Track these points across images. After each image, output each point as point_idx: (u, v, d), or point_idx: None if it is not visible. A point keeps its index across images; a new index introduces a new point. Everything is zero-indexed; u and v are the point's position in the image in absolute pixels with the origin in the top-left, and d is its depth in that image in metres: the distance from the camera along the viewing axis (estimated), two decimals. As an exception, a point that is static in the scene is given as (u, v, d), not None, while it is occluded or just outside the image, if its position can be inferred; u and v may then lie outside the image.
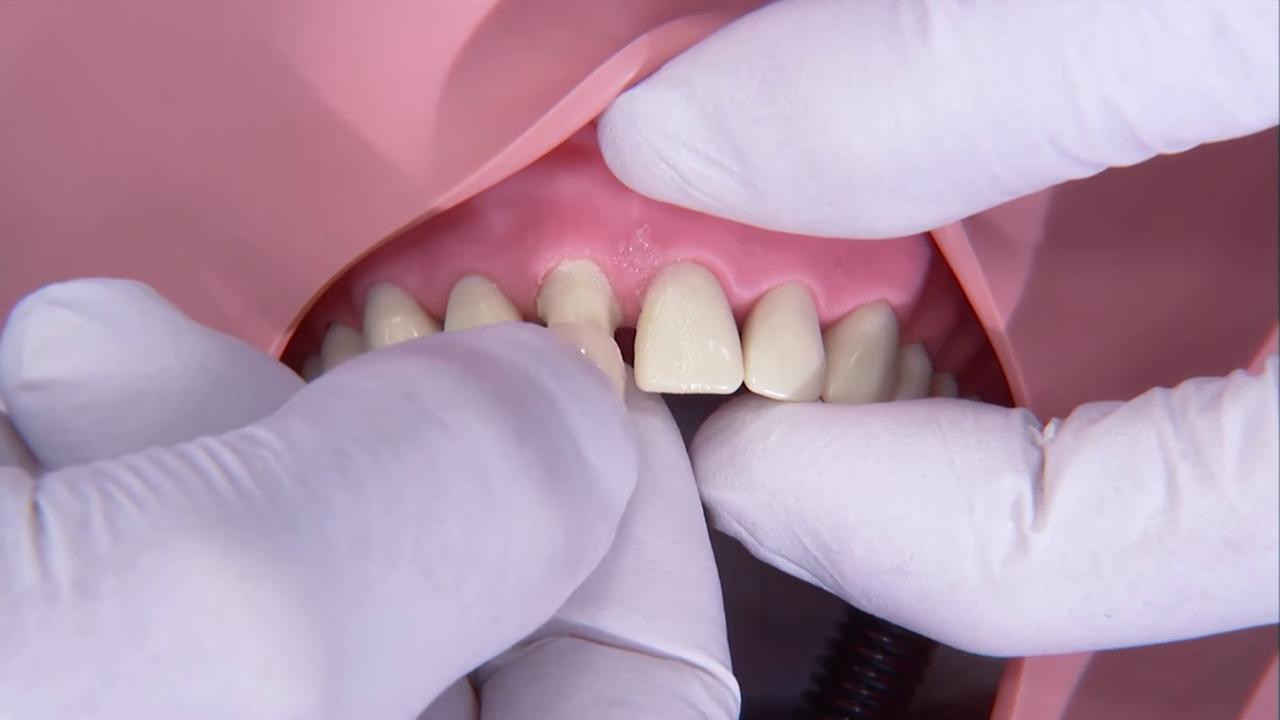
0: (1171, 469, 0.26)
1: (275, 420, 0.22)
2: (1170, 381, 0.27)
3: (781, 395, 0.32)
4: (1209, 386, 0.26)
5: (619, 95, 0.28)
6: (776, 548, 0.29)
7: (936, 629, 0.28)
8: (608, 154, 0.29)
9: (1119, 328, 0.33)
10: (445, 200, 0.30)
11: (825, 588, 0.29)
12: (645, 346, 0.32)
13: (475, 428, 0.22)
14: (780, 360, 0.32)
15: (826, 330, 0.33)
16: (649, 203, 0.32)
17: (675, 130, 0.28)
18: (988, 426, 0.28)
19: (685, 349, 0.32)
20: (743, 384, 0.32)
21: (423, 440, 0.22)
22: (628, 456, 0.26)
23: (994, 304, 0.31)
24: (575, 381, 0.25)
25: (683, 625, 0.27)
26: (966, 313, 0.35)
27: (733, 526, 0.29)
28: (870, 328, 0.33)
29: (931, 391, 0.36)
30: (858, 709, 0.40)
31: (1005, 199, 0.27)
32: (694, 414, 0.38)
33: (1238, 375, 0.26)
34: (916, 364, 0.35)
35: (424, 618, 0.21)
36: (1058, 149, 0.25)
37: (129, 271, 0.33)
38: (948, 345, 0.36)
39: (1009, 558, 0.26)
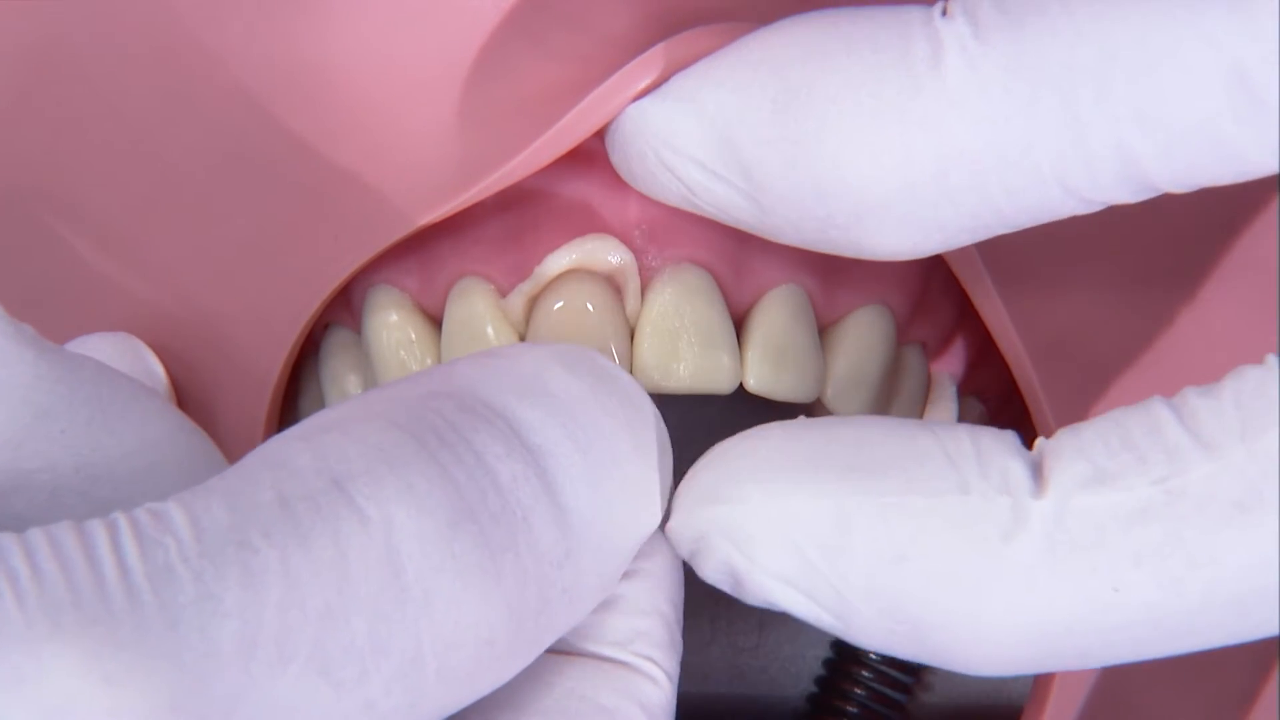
0: (1174, 441, 0.25)
1: (196, 497, 0.21)
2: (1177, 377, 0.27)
3: (779, 396, 0.32)
4: (1208, 385, 0.26)
5: (630, 104, 0.28)
6: (771, 564, 0.27)
7: (942, 629, 0.27)
8: (615, 158, 0.29)
9: (1128, 330, 0.32)
10: (455, 205, 0.30)
11: (823, 615, 0.27)
12: (643, 347, 0.32)
13: (399, 519, 0.22)
14: (777, 361, 0.32)
15: (824, 331, 0.33)
16: (646, 204, 0.32)
17: (683, 144, 0.28)
18: (981, 431, 0.27)
19: (683, 350, 0.32)
20: (740, 385, 0.32)
21: (338, 532, 0.21)
22: (646, 494, 0.25)
23: (1013, 330, 0.31)
24: (589, 426, 0.25)
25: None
26: (964, 313, 0.35)
27: (725, 553, 0.28)
28: (868, 329, 0.33)
29: (929, 391, 0.36)
30: (856, 710, 0.40)
31: (1007, 231, 0.27)
32: (694, 414, 0.38)
33: (1241, 366, 0.26)
34: (914, 365, 0.35)
35: (318, 715, 0.21)
36: (1065, 188, 0.26)
37: (135, 267, 0.33)
38: (945, 346, 0.36)
39: (1009, 534, 0.26)
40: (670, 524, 0.28)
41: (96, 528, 0.20)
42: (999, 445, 0.27)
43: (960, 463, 0.26)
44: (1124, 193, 0.26)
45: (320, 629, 0.21)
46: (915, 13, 0.26)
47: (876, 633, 0.27)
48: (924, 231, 0.27)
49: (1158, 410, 0.26)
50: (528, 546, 0.23)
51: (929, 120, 0.25)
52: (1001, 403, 0.38)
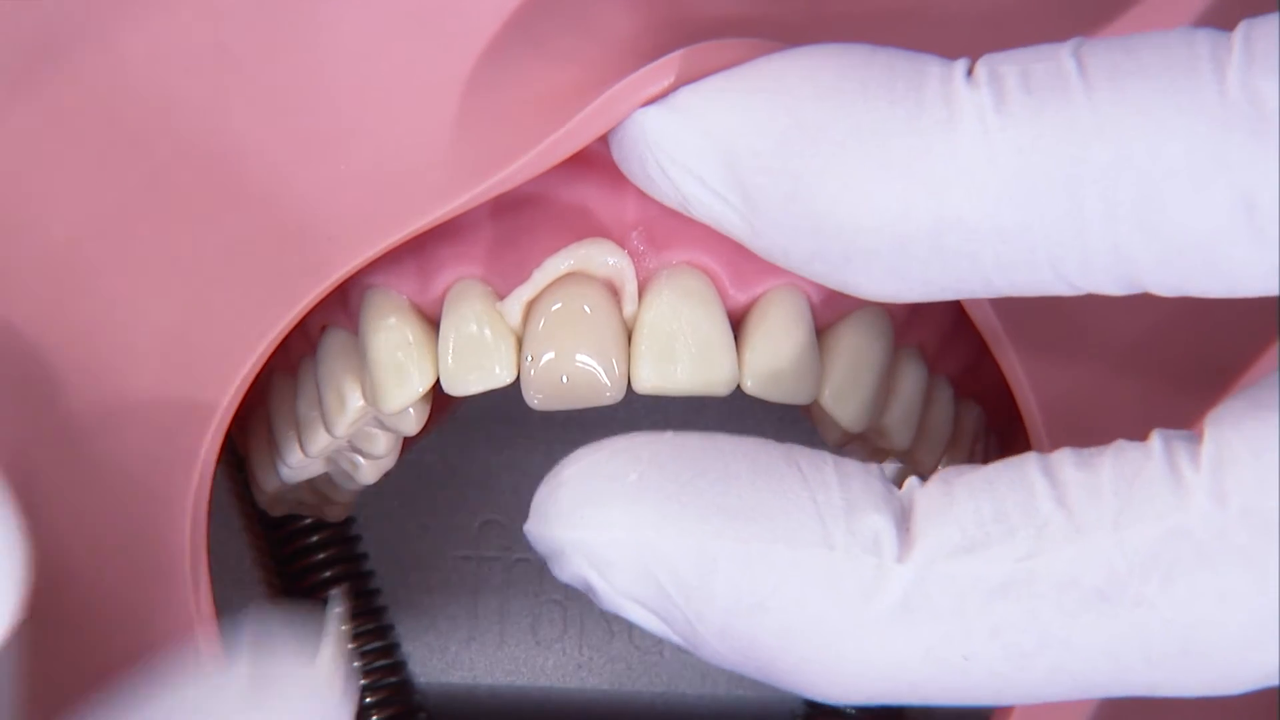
0: (1045, 517, 0.25)
1: None
2: (1177, 384, 0.27)
3: (776, 399, 0.32)
4: (1086, 451, 0.26)
5: (638, 109, 0.28)
6: (628, 589, 0.27)
7: (793, 671, 0.27)
8: (616, 154, 0.29)
9: (1118, 328, 0.32)
10: (457, 207, 0.30)
11: (673, 636, 0.27)
12: (640, 350, 0.32)
13: None
14: (775, 364, 0.32)
15: (821, 334, 0.33)
16: (644, 206, 0.32)
17: (686, 159, 0.28)
18: (848, 471, 0.27)
19: (680, 352, 0.32)
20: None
21: None
22: None
23: (994, 315, 0.31)
24: None
25: None
26: (962, 317, 0.35)
27: (581, 569, 0.27)
28: (866, 331, 0.33)
29: (928, 395, 0.36)
30: (856, 710, 0.40)
31: (992, 296, 0.27)
32: (692, 416, 0.38)
33: (1119, 441, 0.26)
34: (912, 368, 0.35)
35: None
36: (1056, 273, 0.26)
37: (131, 261, 0.33)
38: (943, 349, 0.36)
39: (869, 593, 0.26)
40: (528, 529, 0.28)
41: None
42: (867, 496, 0.26)
43: (827, 515, 0.26)
44: (1113, 288, 0.26)
45: None
46: (934, 67, 0.26)
47: (728, 663, 0.27)
48: (909, 283, 0.27)
49: (1033, 477, 0.26)
50: None
51: (933, 182, 0.25)
52: (1000, 405, 0.38)
